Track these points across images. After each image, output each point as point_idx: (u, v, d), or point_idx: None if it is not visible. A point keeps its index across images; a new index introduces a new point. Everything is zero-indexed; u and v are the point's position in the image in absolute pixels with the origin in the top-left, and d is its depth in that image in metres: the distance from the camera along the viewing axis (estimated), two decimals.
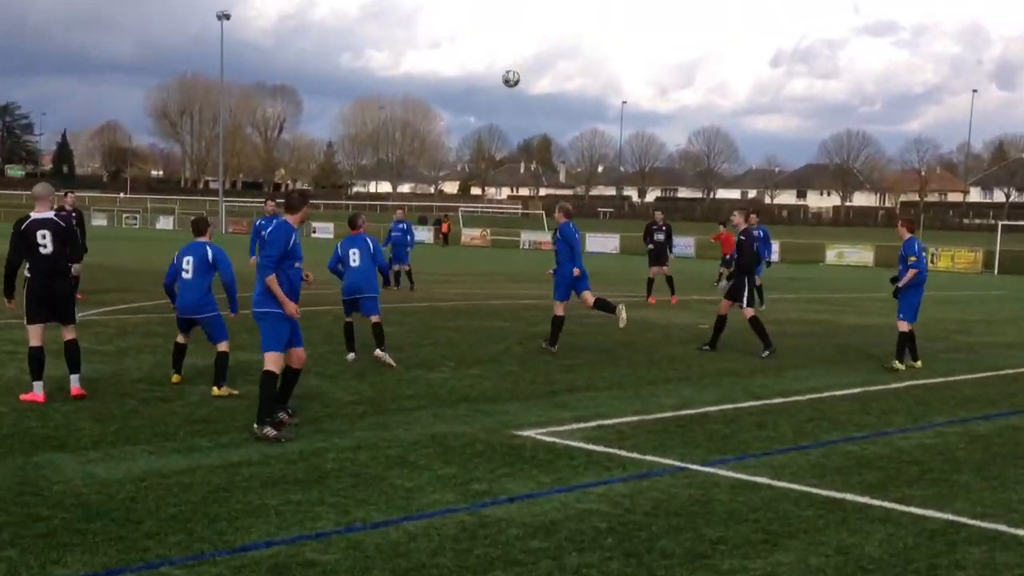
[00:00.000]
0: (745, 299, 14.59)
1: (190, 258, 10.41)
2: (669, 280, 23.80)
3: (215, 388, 10.17)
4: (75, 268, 13.70)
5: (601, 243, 64.50)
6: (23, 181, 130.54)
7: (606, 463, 7.99)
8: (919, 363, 13.75)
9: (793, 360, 14.30)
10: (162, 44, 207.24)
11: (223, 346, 10.34)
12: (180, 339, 10.75)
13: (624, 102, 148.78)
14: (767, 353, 14.26)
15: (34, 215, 9.72)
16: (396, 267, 24.14)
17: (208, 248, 10.46)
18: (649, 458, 8.15)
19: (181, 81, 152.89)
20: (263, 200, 21.93)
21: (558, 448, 8.42)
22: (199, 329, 10.54)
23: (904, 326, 13.60)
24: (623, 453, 8.29)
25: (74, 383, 9.85)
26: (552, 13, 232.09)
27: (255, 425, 8.36)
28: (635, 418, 9.78)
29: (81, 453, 7.71)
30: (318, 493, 6.85)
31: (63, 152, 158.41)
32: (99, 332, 14.69)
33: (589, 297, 14.30)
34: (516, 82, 10.27)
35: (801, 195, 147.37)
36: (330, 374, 11.76)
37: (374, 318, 12.70)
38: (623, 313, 13.97)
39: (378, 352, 12.56)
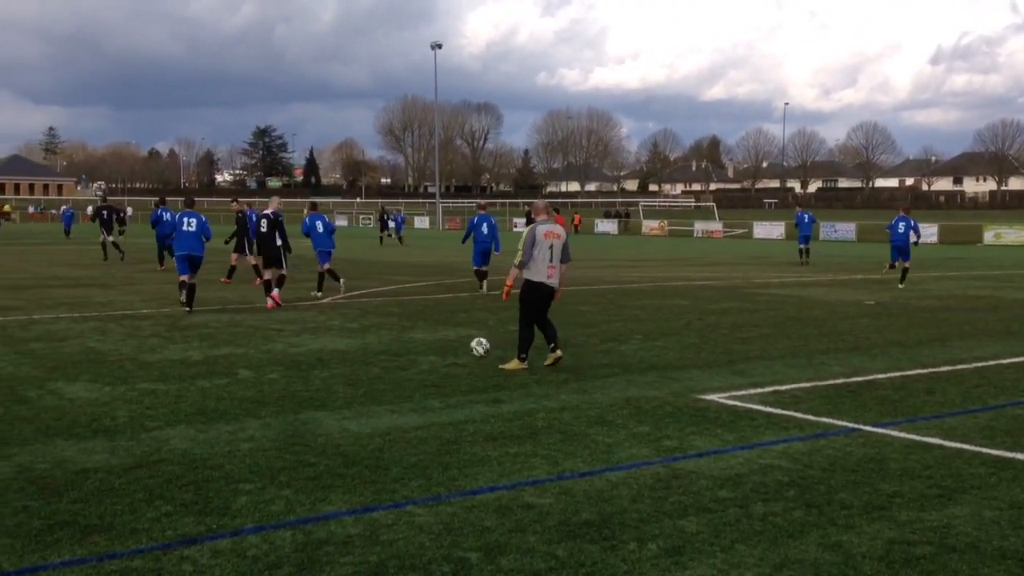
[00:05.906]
0: None
1: (192, 220, 15.55)
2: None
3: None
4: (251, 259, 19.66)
5: (767, 230, 62.76)
6: (278, 191, 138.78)
7: (784, 424, 7.72)
8: None
9: (959, 331, 13.41)
10: (390, 72, 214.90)
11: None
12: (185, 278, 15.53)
13: (787, 103, 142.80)
14: None
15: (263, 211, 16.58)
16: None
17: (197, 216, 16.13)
18: (824, 420, 7.82)
19: (404, 102, 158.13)
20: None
21: (739, 411, 8.20)
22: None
23: None
24: (799, 415, 7.99)
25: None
26: (725, 28, 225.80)
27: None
28: (808, 384, 9.41)
29: (337, 412, 8.07)
30: (532, 447, 6.92)
31: (311, 166, 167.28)
32: (345, 313, 15.37)
33: None
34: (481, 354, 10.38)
35: (958, 182, 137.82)
36: (537, 346, 11.84)
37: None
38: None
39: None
